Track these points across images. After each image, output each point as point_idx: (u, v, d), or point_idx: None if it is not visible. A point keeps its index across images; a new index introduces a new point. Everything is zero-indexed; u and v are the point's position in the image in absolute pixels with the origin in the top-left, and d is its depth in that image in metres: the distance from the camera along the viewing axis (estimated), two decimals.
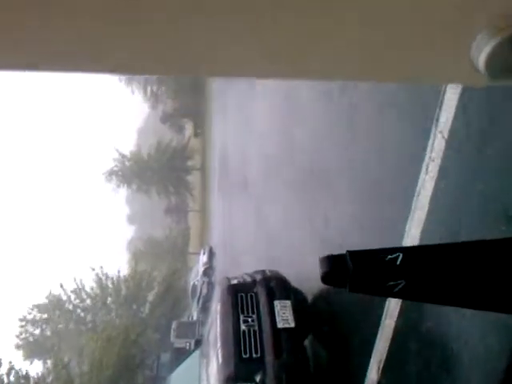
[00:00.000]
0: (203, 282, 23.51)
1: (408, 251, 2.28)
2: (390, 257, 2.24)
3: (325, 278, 2.33)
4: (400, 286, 2.24)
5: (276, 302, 6.14)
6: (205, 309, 22.90)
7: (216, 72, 0.73)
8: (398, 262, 2.21)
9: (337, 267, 2.30)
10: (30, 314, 41.22)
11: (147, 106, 62.50)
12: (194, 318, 24.26)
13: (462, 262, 2.22)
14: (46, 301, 40.73)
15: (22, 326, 41.18)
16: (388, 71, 0.74)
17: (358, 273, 2.24)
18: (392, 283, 2.23)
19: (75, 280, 38.83)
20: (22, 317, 41.10)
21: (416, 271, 2.21)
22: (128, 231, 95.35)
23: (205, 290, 22.95)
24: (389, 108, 4.61)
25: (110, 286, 39.10)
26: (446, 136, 3.43)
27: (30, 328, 41.42)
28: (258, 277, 6.76)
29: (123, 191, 60.83)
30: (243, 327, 6.04)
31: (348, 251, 2.32)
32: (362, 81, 0.87)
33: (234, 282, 6.95)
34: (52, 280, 45.35)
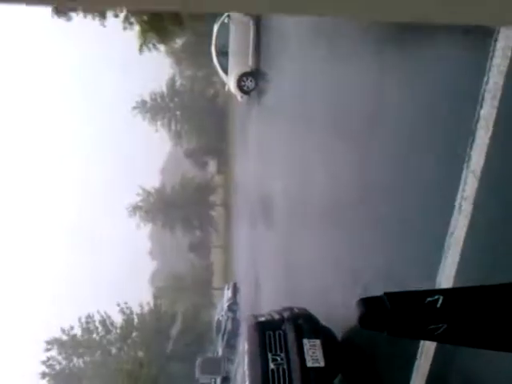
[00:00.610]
0: (228, 317, 23.34)
1: (448, 294, 2.25)
2: (429, 299, 2.21)
3: (362, 322, 2.28)
4: (441, 330, 2.20)
5: (305, 341, 6.06)
6: (230, 345, 22.64)
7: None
8: (439, 305, 2.18)
9: (375, 310, 2.25)
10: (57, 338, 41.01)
11: (171, 144, 63.47)
12: (219, 353, 23.98)
13: (506, 304, 2.18)
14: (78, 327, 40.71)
15: (48, 349, 40.88)
16: (442, 10, 0.79)
17: (397, 316, 2.21)
18: (433, 327, 2.20)
19: (99, 312, 39.06)
20: (49, 339, 40.80)
21: (458, 314, 2.17)
22: (151, 266, 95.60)
23: (229, 326, 22.77)
24: (419, 147, 4.63)
25: (135, 319, 39.17)
26: (478, 175, 3.43)
27: (55, 354, 41.11)
28: (286, 314, 6.69)
29: (147, 227, 61.33)
30: (272, 366, 5.96)
31: (385, 293, 2.28)
32: (416, 20, 0.90)
33: (262, 319, 6.88)
34: (75, 313, 45.26)
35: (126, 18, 18.80)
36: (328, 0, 0.75)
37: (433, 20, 0.84)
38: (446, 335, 2.19)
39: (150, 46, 22.25)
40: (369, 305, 2.29)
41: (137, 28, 19.76)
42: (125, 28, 19.49)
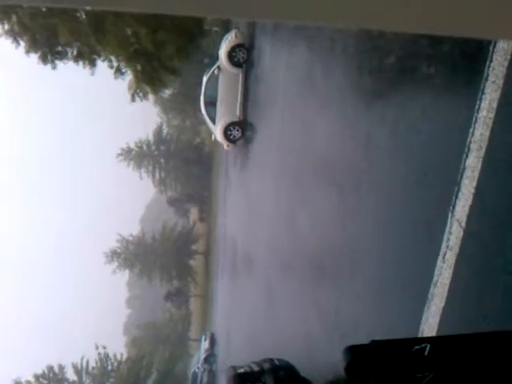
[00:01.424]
0: (204, 369, 22.68)
1: (436, 342, 2.20)
2: (416, 347, 2.17)
3: (348, 370, 2.21)
4: (427, 379, 2.14)
5: None
6: None
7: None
8: (426, 353, 2.13)
9: (361, 358, 2.19)
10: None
11: (154, 191, 63.40)
12: None
13: (494, 353, 2.13)
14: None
15: None
16: (442, 22, 0.78)
17: (384, 364, 2.15)
18: (419, 375, 2.14)
19: (82, 359, 37.77)
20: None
21: (445, 363, 2.12)
22: (126, 314, 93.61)
23: (206, 379, 22.09)
24: (404, 195, 4.65)
25: (110, 368, 37.97)
26: (463, 224, 3.43)
27: None
28: (266, 366, 6.52)
29: (125, 274, 60.25)
30: None
31: (373, 341, 2.23)
32: (418, 31, 0.89)
33: (241, 370, 6.69)
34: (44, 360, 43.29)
35: (118, 68, 18.96)
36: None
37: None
38: None
39: (141, 95, 22.51)
40: (356, 353, 2.23)
41: (129, 77, 19.96)
42: (116, 78, 19.66)
